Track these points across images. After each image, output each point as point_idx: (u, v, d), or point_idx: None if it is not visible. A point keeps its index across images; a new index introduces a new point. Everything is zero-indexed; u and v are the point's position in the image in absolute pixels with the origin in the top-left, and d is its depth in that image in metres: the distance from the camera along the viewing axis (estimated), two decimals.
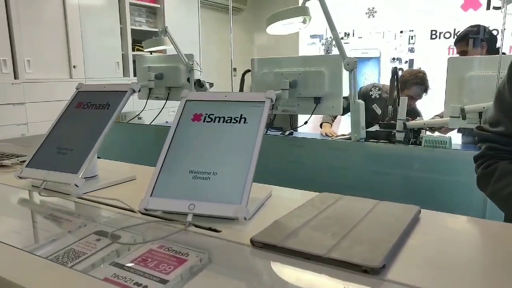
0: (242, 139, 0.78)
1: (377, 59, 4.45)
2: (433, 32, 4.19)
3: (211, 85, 2.35)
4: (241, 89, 2.67)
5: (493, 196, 0.89)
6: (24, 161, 0.99)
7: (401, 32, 4.34)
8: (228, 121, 0.81)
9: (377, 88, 2.69)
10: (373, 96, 2.66)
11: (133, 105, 2.29)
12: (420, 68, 3.25)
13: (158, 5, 4.56)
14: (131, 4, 4.21)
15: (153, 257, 0.60)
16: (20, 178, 0.95)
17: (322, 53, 4.78)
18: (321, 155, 1.66)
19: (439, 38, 4.16)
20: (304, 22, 1.70)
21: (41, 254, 0.62)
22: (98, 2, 3.94)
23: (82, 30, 3.67)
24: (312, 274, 0.56)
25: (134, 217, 0.78)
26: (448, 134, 1.97)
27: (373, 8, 4.45)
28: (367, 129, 1.76)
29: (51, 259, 0.60)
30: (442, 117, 1.73)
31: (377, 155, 1.59)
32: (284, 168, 1.70)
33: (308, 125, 1.95)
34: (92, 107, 1.00)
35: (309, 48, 4.90)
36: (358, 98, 1.68)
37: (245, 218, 0.70)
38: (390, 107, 1.86)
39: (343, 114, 2.19)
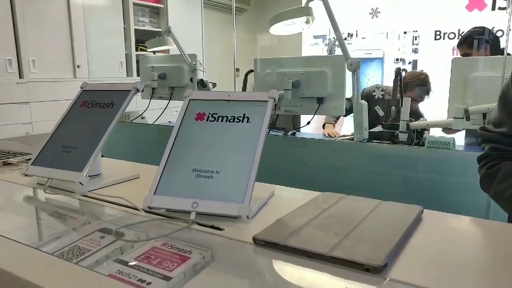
0: (245, 138, 0.78)
1: (381, 59, 4.44)
2: (437, 33, 4.17)
3: (214, 85, 2.35)
4: (244, 89, 2.68)
5: (496, 197, 0.89)
6: (30, 159, 1.00)
7: (405, 32, 4.33)
8: (231, 120, 0.82)
9: (380, 89, 2.69)
10: (376, 97, 2.66)
11: (136, 104, 2.30)
12: (423, 70, 3.24)
13: (162, 5, 4.58)
14: (134, 4, 4.23)
15: (157, 255, 0.60)
16: (26, 175, 0.96)
17: (325, 53, 4.78)
18: (324, 155, 1.67)
19: (443, 38, 4.15)
20: (307, 22, 1.71)
21: (47, 250, 0.63)
22: (102, 2, 3.96)
23: (86, 30, 3.69)
24: (314, 272, 0.56)
25: (138, 215, 0.78)
26: (453, 135, 1.96)
27: (376, 8, 4.44)
28: (370, 130, 1.76)
29: (56, 255, 0.61)
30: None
31: (380, 155, 1.59)
32: (286, 168, 1.70)
33: (311, 126, 1.95)
34: (96, 106, 1.01)
35: (312, 48, 4.90)
36: (361, 99, 1.68)
37: (247, 217, 0.71)
38: (393, 108, 1.86)
39: (345, 115, 2.19)
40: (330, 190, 0.89)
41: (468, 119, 1.53)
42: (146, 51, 3.74)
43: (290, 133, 2.21)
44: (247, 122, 0.80)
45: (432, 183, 1.44)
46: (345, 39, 4.51)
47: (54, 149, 0.97)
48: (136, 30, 4.26)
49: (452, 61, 1.64)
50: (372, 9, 4.46)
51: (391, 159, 1.55)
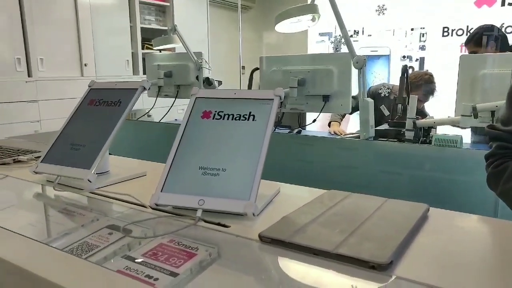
0: (251, 136, 0.79)
1: (387, 57, 4.41)
2: (445, 29, 4.13)
3: (220, 83, 2.36)
4: (250, 87, 2.67)
5: (503, 195, 0.89)
6: (39, 156, 1.02)
7: (412, 29, 4.29)
8: (237, 118, 0.82)
9: (386, 87, 2.68)
10: (382, 95, 2.65)
11: (142, 103, 2.31)
12: (427, 70, 3.22)
13: (168, 4, 4.59)
14: (140, 2, 4.24)
15: (164, 251, 0.61)
16: (36, 173, 0.98)
17: (331, 51, 4.76)
18: (330, 153, 1.66)
19: (451, 35, 4.11)
20: (313, 20, 1.70)
21: (57, 246, 0.64)
22: (109, 1, 3.98)
23: (93, 29, 3.71)
24: (320, 269, 0.57)
25: (145, 212, 0.79)
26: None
27: (383, 5, 4.41)
28: (376, 128, 1.75)
29: (66, 251, 0.62)
30: None
31: (386, 154, 1.59)
32: (292, 166, 1.70)
33: (317, 124, 1.95)
34: (104, 104, 1.02)
35: (318, 46, 4.88)
36: (367, 97, 1.68)
37: (253, 214, 0.71)
38: (399, 105, 1.85)
39: (351, 113, 2.18)
40: (336, 188, 0.90)
41: (476, 116, 1.51)
42: (152, 49, 3.74)
43: (295, 131, 2.21)
44: (253, 120, 0.81)
45: (439, 181, 1.43)
46: (351, 36, 4.49)
47: (63, 147, 0.99)
48: (142, 28, 4.28)
49: (460, 58, 1.63)
50: (378, 6, 4.43)
51: (397, 157, 1.54)
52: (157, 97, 2.37)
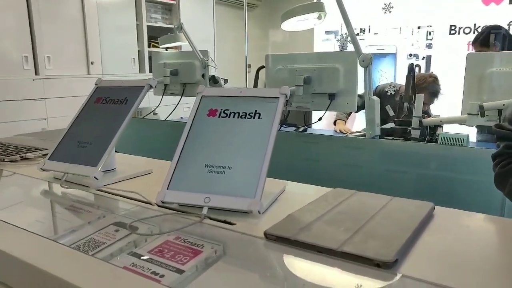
0: (256, 134, 0.79)
1: (394, 55, 4.39)
2: (452, 28, 4.10)
3: (226, 81, 2.36)
4: (255, 86, 2.67)
5: (510, 195, 0.88)
6: (46, 154, 1.03)
7: (419, 27, 4.27)
8: (243, 116, 0.82)
9: (392, 86, 2.67)
10: (388, 93, 2.63)
11: (148, 101, 2.32)
12: (432, 72, 3.19)
13: (174, 2, 4.60)
14: (147, 1, 4.26)
15: (170, 248, 0.61)
16: (43, 170, 0.99)
17: (337, 49, 4.74)
18: (335, 152, 1.66)
19: (459, 33, 4.07)
20: (319, 18, 1.70)
21: (64, 242, 0.65)
22: None
23: (99, 27, 3.73)
24: (325, 267, 0.57)
25: (151, 209, 0.80)
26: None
27: (389, 3, 4.38)
28: (382, 126, 1.75)
29: (73, 248, 0.62)
30: None
31: (392, 152, 1.58)
32: (297, 165, 1.70)
33: (322, 122, 1.95)
34: (110, 102, 1.03)
35: (324, 44, 4.86)
36: (374, 96, 1.67)
37: (259, 212, 0.72)
38: (405, 104, 1.84)
39: (357, 112, 2.17)
40: (341, 186, 0.90)
41: (483, 115, 1.50)
42: (158, 47, 3.75)
43: (301, 129, 2.21)
44: (259, 118, 0.81)
45: (445, 180, 1.43)
46: (357, 34, 4.47)
47: (70, 144, 0.99)
48: (148, 26, 4.29)
49: (467, 57, 1.61)
50: (385, 4, 4.40)
51: (403, 155, 1.54)
52: (163, 95, 2.37)
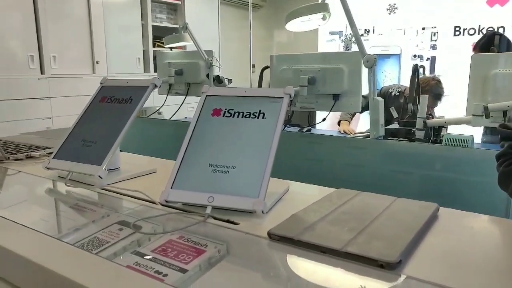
0: (260, 134, 0.79)
1: (398, 56, 4.37)
2: (457, 29, 4.08)
3: (230, 81, 2.36)
4: (260, 86, 2.68)
5: None
6: (51, 152, 1.03)
7: (423, 28, 4.25)
8: (247, 116, 0.82)
9: (397, 87, 2.66)
10: (393, 94, 2.63)
11: (153, 100, 2.32)
12: (435, 75, 3.18)
13: (179, 2, 4.61)
14: (152, 1, 4.27)
15: (173, 247, 0.62)
16: (48, 169, 0.99)
17: (341, 50, 4.74)
18: (339, 152, 1.66)
19: (463, 34, 4.06)
20: (323, 18, 1.70)
21: (68, 241, 0.65)
22: None
23: (105, 26, 3.75)
24: (328, 267, 0.57)
25: (155, 209, 0.80)
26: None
27: (394, 4, 4.37)
28: (386, 127, 1.74)
29: (77, 246, 0.63)
30: None
31: (396, 153, 1.58)
32: (301, 165, 1.70)
33: (326, 122, 1.95)
34: (115, 101, 1.03)
35: (328, 44, 4.86)
36: (378, 96, 1.66)
37: (262, 212, 0.72)
38: (409, 105, 1.84)
39: (361, 112, 2.17)
40: (345, 187, 0.89)
41: (487, 116, 1.49)
42: (163, 47, 3.76)
43: (305, 129, 2.21)
44: (263, 118, 0.81)
45: (450, 181, 1.42)
46: (362, 35, 4.46)
47: (75, 143, 1.00)
48: (153, 26, 4.31)
49: (471, 58, 1.61)
50: (389, 5, 4.39)
51: (407, 156, 1.53)
52: (167, 94, 2.38)
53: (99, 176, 0.89)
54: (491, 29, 3.88)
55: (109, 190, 0.92)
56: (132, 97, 1.01)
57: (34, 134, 1.74)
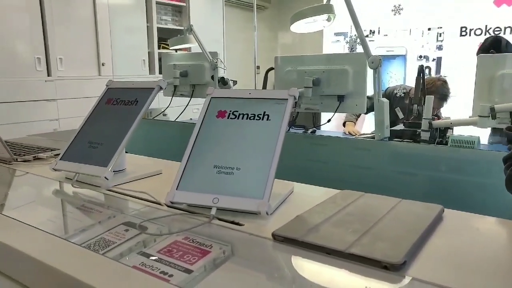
0: (265, 136, 0.79)
1: (403, 57, 4.36)
2: (463, 29, 4.06)
3: (235, 83, 2.37)
4: (264, 87, 2.68)
5: None
6: (58, 154, 1.04)
7: (429, 29, 4.23)
8: (252, 118, 0.83)
9: (402, 87, 2.65)
10: (398, 95, 2.62)
11: (158, 102, 2.34)
12: (440, 76, 3.16)
13: (184, 4, 4.63)
14: (157, 3, 4.30)
15: (178, 248, 0.62)
16: (55, 170, 1.00)
17: (346, 51, 4.73)
18: (344, 153, 1.66)
19: (470, 35, 4.03)
20: (328, 20, 1.70)
21: (75, 241, 0.66)
22: (126, 1, 4.04)
23: (111, 28, 3.77)
24: (332, 268, 0.57)
25: (161, 210, 0.80)
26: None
27: (399, 5, 4.36)
28: (391, 128, 1.74)
29: (84, 247, 0.64)
30: None
31: (401, 154, 1.57)
32: (306, 166, 1.70)
33: (331, 124, 1.94)
34: (121, 103, 1.04)
35: (333, 46, 4.85)
36: (383, 97, 1.66)
37: (267, 213, 0.72)
38: (415, 106, 1.83)
39: (366, 113, 2.16)
40: (350, 188, 0.89)
41: (494, 117, 1.48)
42: (168, 49, 3.78)
43: (310, 131, 2.21)
44: (267, 119, 0.81)
45: (456, 183, 1.41)
46: (367, 36, 4.45)
47: (81, 145, 1.01)
48: (158, 28, 4.33)
49: (477, 58, 1.60)
50: (394, 5, 4.38)
51: (413, 158, 1.53)
52: (172, 96, 2.39)
53: (105, 178, 0.90)
54: (498, 29, 3.86)
55: (115, 191, 0.92)
56: (138, 99, 1.02)
57: (41, 135, 1.76)
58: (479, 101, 1.56)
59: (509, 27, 3.80)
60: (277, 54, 1.95)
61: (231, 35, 5.20)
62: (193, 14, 4.64)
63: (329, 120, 1.86)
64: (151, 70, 4.30)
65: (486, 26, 3.93)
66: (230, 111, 0.85)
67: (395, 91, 2.65)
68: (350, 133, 2.60)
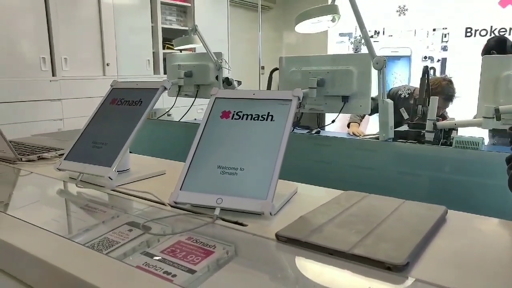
0: (269, 136, 0.79)
1: (408, 58, 4.34)
2: (468, 30, 4.04)
3: (239, 83, 2.37)
4: (269, 87, 2.68)
5: None
6: (62, 154, 1.05)
7: (434, 30, 4.22)
8: (256, 118, 0.83)
9: (406, 88, 2.64)
10: (402, 96, 2.61)
11: (162, 102, 2.34)
12: (446, 75, 3.14)
13: (189, 4, 4.64)
14: (162, 3, 4.31)
15: (182, 248, 0.62)
16: (59, 170, 1.01)
17: (351, 51, 4.72)
18: (348, 154, 1.65)
19: (475, 36, 4.02)
20: (333, 20, 1.69)
21: (79, 241, 0.66)
22: (131, 1, 4.06)
23: (115, 28, 3.79)
24: (336, 269, 0.57)
25: (164, 210, 0.81)
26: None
27: (404, 6, 4.35)
28: (396, 129, 1.73)
29: (87, 246, 0.64)
30: None
31: (405, 155, 1.57)
32: (310, 167, 1.70)
33: (336, 124, 1.94)
34: (125, 103, 1.05)
35: (338, 46, 4.85)
36: (387, 98, 1.66)
37: (270, 213, 0.72)
38: (419, 106, 1.82)
39: (371, 114, 2.16)
40: (354, 189, 0.89)
41: (498, 118, 1.48)
42: (173, 49, 3.80)
43: (314, 131, 2.21)
44: (271, 120, 0.81)
45: (460, 184, 1.41)
46: (372, 37, 4.44)
47: (85, 145, 1.01)
48: (163, 28, 4.34)
49: (482, 59, 1.59)
50: (399, 6, 4.37)
51: (417, 159, 1.52)
52: (177, 96, 2.40)
53: (109, 178, 0.90)
54: (503, 30, 3.84)
55: (119, 191, 0.93)
56: (142, 99, 1.02)
57: (45, 135, 1.77)
58: (484, 102, 1.55)
59: None
60: (282, 54, 1.95)
61: (236, 35, 5.20)
62: (198, 14, 4.65)
63: (333, 121, 1.86)
64: (156, 70, 4.31)
65: (491, 27, 3.91)
66: (234, 111, 0.85)
67: (399, 92, 2.64)
68: (354, 134, 2.59)
